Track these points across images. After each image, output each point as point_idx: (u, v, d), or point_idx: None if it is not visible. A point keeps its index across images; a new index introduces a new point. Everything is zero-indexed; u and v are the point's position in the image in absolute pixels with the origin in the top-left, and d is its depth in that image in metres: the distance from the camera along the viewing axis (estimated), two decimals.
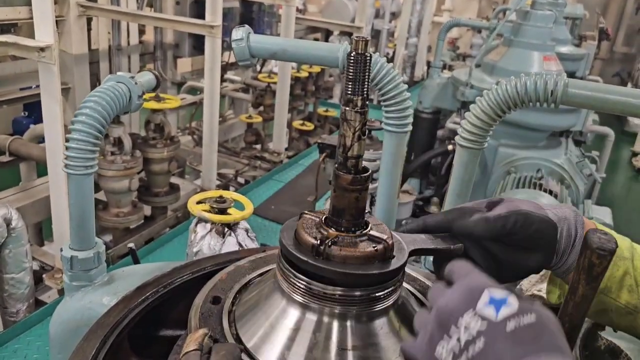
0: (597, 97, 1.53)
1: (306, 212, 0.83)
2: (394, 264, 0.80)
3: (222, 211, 2.09)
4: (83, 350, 0.89)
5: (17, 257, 3.15)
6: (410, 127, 1.83)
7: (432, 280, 1.04)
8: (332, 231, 0.79)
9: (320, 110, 7.25)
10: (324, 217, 0.82)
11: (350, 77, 0.76)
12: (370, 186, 0.82)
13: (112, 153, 3.74)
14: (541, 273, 1.10)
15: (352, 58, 0.75)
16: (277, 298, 0.82)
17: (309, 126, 6.80)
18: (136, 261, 1.81)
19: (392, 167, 1.87)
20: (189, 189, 4.61)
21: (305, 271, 0.78)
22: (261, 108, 6.15)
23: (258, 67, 6.52)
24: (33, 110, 6.52)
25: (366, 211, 0.83)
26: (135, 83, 1.52)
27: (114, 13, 4.47)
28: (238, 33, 1.80)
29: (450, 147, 4.33)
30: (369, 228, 0.81)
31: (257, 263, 1.01)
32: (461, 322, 0.60)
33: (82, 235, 1.48)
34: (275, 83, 5.71)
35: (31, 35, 2.95)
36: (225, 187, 5.25)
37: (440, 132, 5.11)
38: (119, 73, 1.54)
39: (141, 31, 5.86)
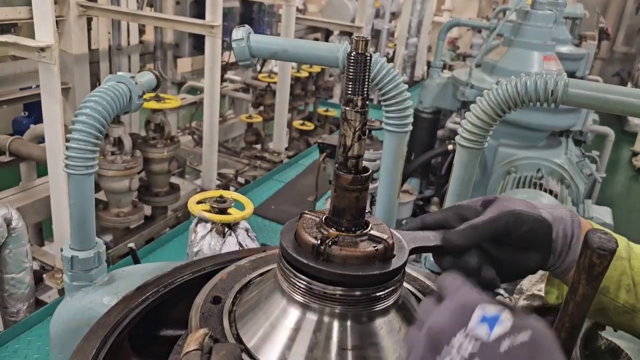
0: (597, 97, 1.53)
1: (306, 212, 0.83)
2: (395, 263, 0.80)
3: (223, 211, 2.10)
4: (83, 350, 0.89)
5: (18, 257, 3.15)
6: (410, 127, 1.83)
7: (433, 280, 1.04)
8: (333, 231, 0.79)
9: (321, 110, 7.25)
10: (324, 217, 0.82)
11: (350, 77, 0.76)
12: (371, 186, 0.82)
13: (112, 153, 3.75)
14: (541, 273, 1.10)
15: (352, 58, 0.75)
16: (277, 298, 0.82)
17: (309, 126, 6.80)
18: (136, 261, 1.81)
19: (393, 167, 1.87)
20: (189, 188, 4.61)
21: (306, 272, 0.78)
22: (261, 108, 6.15)
23: (258, 67, 6.52)
24: (33, 110, 6.52)
25: (366, 211, 0.83)
26: (136, 83, 1.53)
27: (114, 13, 4.47)
28: (238, 33, 1.80)
29: (450, 147, 4.33)
30: (369, 228, 0.81)
31: (258, 263, 1.01)
32: (453, 343, 0.58)
33: (83, 235, 1.48)
34: (275, 83, 5.71)
35: (31, 35, 2.95)
36: (226, 187, 5.25)
37: (440, 132, 5.11)
38: (119, 73, 1.54)
39: (141, 31, 5.86)
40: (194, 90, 6.37)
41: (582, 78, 4.98)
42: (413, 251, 0.88)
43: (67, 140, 1.41)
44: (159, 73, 1.74)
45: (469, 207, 0.92)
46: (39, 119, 4.55)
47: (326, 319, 0.78)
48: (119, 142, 3.79)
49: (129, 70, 5.33)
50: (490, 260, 0.90)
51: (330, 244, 0.77)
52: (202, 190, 4.32)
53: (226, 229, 2.09)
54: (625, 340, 1.07)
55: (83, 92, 4.31)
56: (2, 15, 3.55)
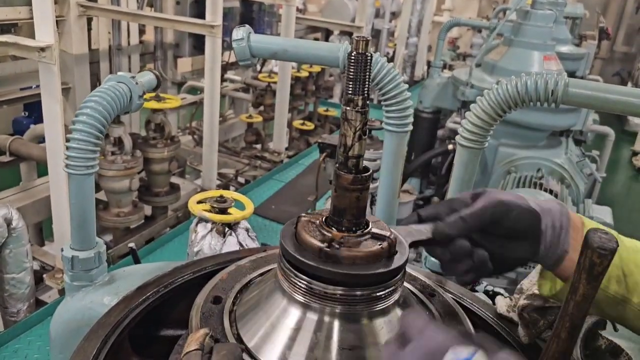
0: (597, 97, 1.53)
1: (303, 214, 0.83)
2: (399, 259, 0.81)
3: (223, 211, 2.10)
4: (84, 350, 0.89)
5: (18, 257, 3.15)
6: (410, 127, 1.83)
7: (432, 280, 1.04)
8: (336, 232, 0.79)
9: (321, 109, 7.25)
10: (323, 218, 0.82)
11: (350, 76, 0.76)
12: (371, 186, 0.82)
13: (113, 153, 3.75)
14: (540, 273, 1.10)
15: (352, 58, 0.75)
16: (278, 298, 0.82)
17: (309, 126, 6.80)
18: (137, 261, 1.81)
19: (393, 166, 1.87)
20: (189, 188, 4.61)
21: (313, 275, 0.77)
22: (261, 108, 6.15)
23: (258, 67, 6.52)
24: (33, 110, 6.52)
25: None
26: (136, 83, 1.52)
27: (114, 13, 4.47)
28: (238, 33, 1.80)
29: (450, 146, 4.33)
30: (370, 227, 0.81)
31: (258, 263, 1.01)
32: None
33: (83, 235, 1.48)
34: (275, 83, 5.71)
35: (31, 35, 2.95)
36: (226, 187, 5.25)
37: (440, 132, 5.11)
38: (119, 73, 1.54)
39: (141, 31, 5.85)
40: (194, 90, 6.37)
41: (582, 78, 4.98)
42: (411, 246, 0.89)
43: (68, 140, 1.41)
44: (159, 73, 1.74)
45: (459, 200, 0.94)
46: (39, 119, 4.55)
47: (327, 318, 0.78)
48: (119, 142, 3.79)
49: (129, 70, 5.33)
50: None
51: (337, 246, 0.77)
52: (203, 190, 4.32)
53: (226, 229, 2.09)
54: (625, 339, 1.07)
55: (83, 92, 4.31)
56: (2, 15, 3.54)
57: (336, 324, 0.78)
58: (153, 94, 4.02)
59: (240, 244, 2.08)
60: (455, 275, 0.91)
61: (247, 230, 2.16)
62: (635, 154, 9.83)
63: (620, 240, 0.90)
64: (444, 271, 0.94)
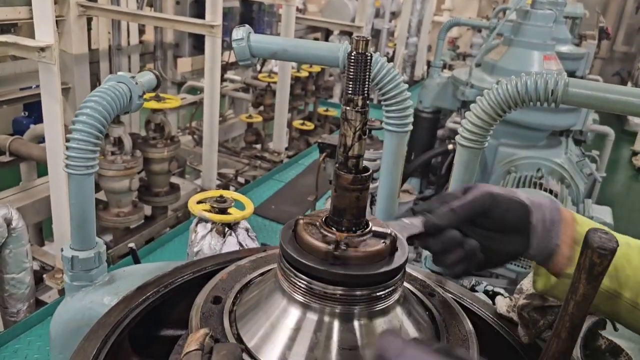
0: (597, 97, 1.53)
1: (301, 217, 0.83)
2: (401, 256, 0.81)
3: (223, 211, 2.09)
4: (84, 350, 0.89)
5: (18, 257, 3.15)
6: (410, 127, 1.83)
7: (432, 280, 1.04)
8: (339, 233, 0.79)
9: (321, 109, 7.25)
10: (323, 219, 0.82)
11: (350, 76, 0.76)
12: (371, 186, 0.82)
13: (113, 153, 3.75)
14: None
15: (352, 58, 0.75)
16: (277, 298, 0.82)
17: (309, 126, 6.80)
18: (137, 261, 1.81)
19: (393, 166, 1.87)
20: (189, 188, 4.61)
21: (322, 278, 0.77)
22: (261, 108, 6.15)
23: (258, 67, 6.52)
24: (33, 110, 6.52)
25: None
26: (136, 83, 1.52)
27: (114, 13, 4.47)
28: (238, 33, 1.80)
29: (450, 146, 4.32)
30: (370, 225, 0.82)
31: (258, 263, 1.01)
32: None
33: (83, 235, 1.48)
34: (275, 83, 5.71)
35: (31, 35, 2.95)
36: (226, 187, 5.25)
37: (440, 132, 5.11)
38: (119, 73, 1.54)
39: (141, 31, 5.85)
40: (194, 90, 6.37)
41: (582, 77, 4.98)
42: (407, 241, 0.89)
43: (67, 140, 1.41)
44: (159, 73, 1.74)
45: (451, 194, 0.95)
46: (39, 119, 4.54)
47: (326, 318, 0.78)
48: (119, 142, 3.79)
49: (129, 70, 5.33)
50: None
51: (344, 247, 0.77)
52: (202, 190, 4.32)
53: (226, 229, 2.09)
54: (625, 339, 1.07)
55: (83, 92, 4.31)
56: (2, 15, 3.54)
57: (336, 323, 0.78)
58: (153, 94, 4.02)
59: (240, 244, 2.08)
60: (447, 267, 0.91)
61: (247, 230, 2.16)
62: (635, 153, 9.83)
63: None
64: (436, 263, 0.94)
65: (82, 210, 1.46)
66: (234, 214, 2.11)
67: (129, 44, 5.29)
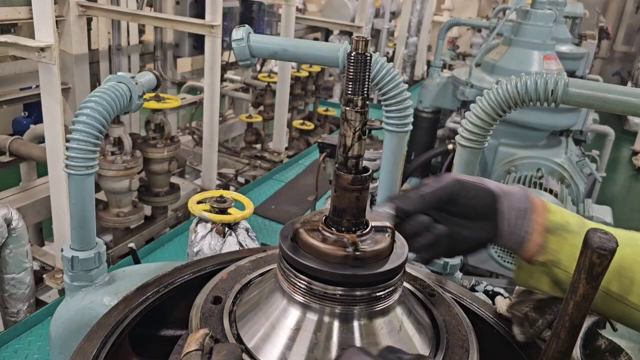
0: (597, 97, 1.53)
1: (299, 226, 0.81)
2: (402, 248, 0.83)
3: (223, 211, 2.09)
4: (84, 350, 0.89)
5: (18, 257, 3.15)
6: (410, 127, 1.83)
7: (432, 280, 1.05)
8: (349, 235, 0.79)
9: (321, 109, 7.25)
10: (322, 221, 0.82)
11: (350, 77, 0.76)
12: (371, 186, 0.82)
13: (112, 153, 3.75)
14: None
15: (352, 58, 0.75)
16: (277, 298, 0.82)
17: (309, 126, 6.80)
18: (137, 261, 1.81)
19: (393, 166, 1.87)
20: (189, 188, 4.61)
21: (344, 283, 0.77)
22: (261, 108, 6.15)
23: (258, 67, 6.51)
24: (33, 110, 6.52)
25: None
26: (136, 83, 1.52)
27: (114, 13, 4.47)
28: (238, 33, 1.80)
29: (450, 146, 4.32)
30: (370, 224, 0.82)
31: (258, 263, 1.02)
32: None
33: (83, 236, 1.48)
34: (275, 82, 5.71)
35: (31, 35, 2.95)
36: (226, 187, 5.25)
37: (440, 132, 5.11)
38: (119, 73, 1.54)
39: (141, 31, 5.85)
40: (194, 90, 6.37)
41: (582, 77, 4.98)
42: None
43: (67, 140, 1.41)
44: (159, 73, 1.74)
45: (425, 183, 0.97)
46: (39, 119, 4.55)
47: (326, 319, 0.78)
48: (119, 142, 3.79)
49: (129, 70, 5.33)
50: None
51: (360, 250, 0.77)
52: (202, 190, 4.32)
53: (226, 229, 2.09)
54: (625, 339, 1.07)
55: (83, 92, 4.31)
56: (2, 15, 3.54)
57: (336, 324, 0.78)
58: (153, 94, 4.02)
59: (240, 244, 2.08)
60: (416, 251, 0.93)
61: (247, 230, 2.16)
62: (635, 153, 9.83)
63: (586, 226, 0.93)
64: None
65: (82, 210, 1.46)
66: (234, 214, 2.11)
67: (128, 44, 5.29)
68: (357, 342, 0.77)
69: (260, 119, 5.92)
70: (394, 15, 9.66)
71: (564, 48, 4.77)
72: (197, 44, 5.86)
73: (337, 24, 7.21)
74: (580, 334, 0.93)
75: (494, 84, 1.63)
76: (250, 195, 4.07)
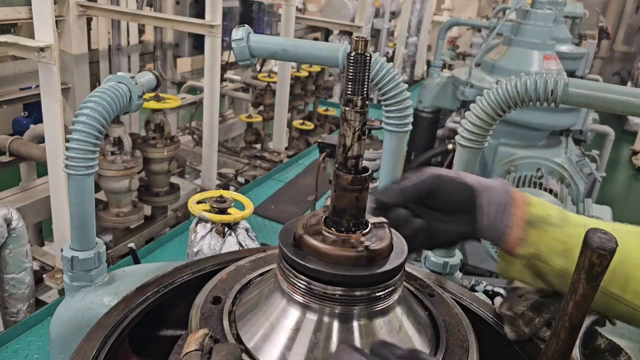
0: (597, 97, 1.53)
1: (305, 235, 0.80)
2: (401, 241, 0.84)
3: (222, 211, 2.09)
4: (84, 351, 0.89)
5: (18, 257, 3.15)
6: (410, 127, 1.82)
7: (432, 280, 1.04)
8: (355, 235, 0.79)
9: (320, 109, 7.25)
10: (322, 221, 0.82)
11: (350, 77, 0.75)
12: (371, 186, 0.82)
13: (112, 153, 3.75)
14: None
15: (352, 58, 0.75)
16: (277, 298, 0.82)
17: (309, 125, 6.80)
18: (136, 261, 1.81)
19: (392, 166, 1.87)
20: (189, 188, 4.61)
21: (362, 283, 0.77)
22: (261, 107, 6.15)
23: (258, 67, 6.51)
24: (33, 110, 6.53)
25: None
26: (136, 83, 1.52)
27: (114, 13, 4.47)
28: (238, 33, 1.79)
29: (450, 146, 4.32)
30: (369, 222, 0.82)
31: (258, 263, 1.01)
32: None
33: (83, 236, 1.48)
34: (275, 82, 5.71)
35: (31, 35, 2.95)
36: (226, 187, 5.25)
37: (440, 132, 5.11)
38: (119, 73, 1.54)
39: (141, 31, 5.85)
40: (193, 90, 6.36)
41: (582, 77, 4.98)
42: None
43: (67, 140, 1.41)
44: (158, 73, 1.74)
45: (406, 176, 0.98)
46: (39, 119, 4.55)
47: (326, 319, 0.78)
48: (119, 142, 3.79)
49: (129, 70, 5.32)
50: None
51: (373, 245, 0.78)
52: (202, 190, 4.32)
53: (226, 229, 2.09)
54: (625, 339, 1.07)
55: (83, 92, 4.31)
56: (2, 15, 3.54)
57: (335, 324, 0.78)
58: (153, 94, 4.02)
59: (240, 244, 2.08)
60: None
61: (246, 230, 2.16)
62: (635, 153, 9.83)
63: (567, 219, 0.94)
64: None
65: (82, 210, 1.46)
66: (234, 214, 2.11)
67: (128, 44, 5.29)
68: (357, 342, 0.77)
69: (260, 118, 5.92)
70: (394, 15, 9.66)
71: (564, 48, 4.77)
72: (197, 43, 5.86)
73: (337, 23, 7.21)
74: (580, 334, 0.93)
75: (494, 84, 1.63)
76: (250, 195, 4.08)
